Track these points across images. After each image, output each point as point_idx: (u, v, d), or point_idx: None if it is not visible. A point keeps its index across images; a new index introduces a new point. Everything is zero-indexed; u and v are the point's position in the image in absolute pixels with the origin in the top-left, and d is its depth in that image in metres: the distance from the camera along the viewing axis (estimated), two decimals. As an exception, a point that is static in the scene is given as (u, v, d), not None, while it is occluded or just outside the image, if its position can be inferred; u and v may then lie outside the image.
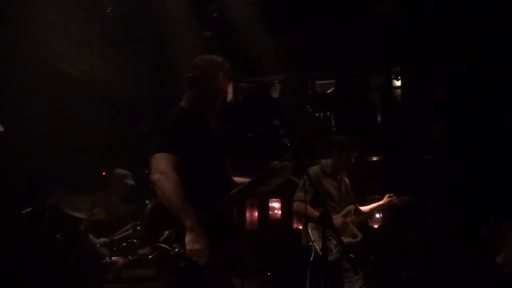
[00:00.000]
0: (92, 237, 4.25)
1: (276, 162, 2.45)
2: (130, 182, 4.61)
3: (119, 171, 4.65)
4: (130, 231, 4.25)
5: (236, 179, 2.58)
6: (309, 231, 3.92)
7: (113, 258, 4.06)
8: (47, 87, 5.25)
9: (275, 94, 9.00)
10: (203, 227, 2.23)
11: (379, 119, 8.80)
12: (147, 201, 5.20)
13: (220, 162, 2.51)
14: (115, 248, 4.13)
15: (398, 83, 8.61)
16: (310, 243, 3.87)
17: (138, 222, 4.35)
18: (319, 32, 7.87)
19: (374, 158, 8.22)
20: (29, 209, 4.06)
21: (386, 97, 8.74)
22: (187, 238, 2.20)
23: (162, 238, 2.23)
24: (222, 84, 2.53)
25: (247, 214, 8.73)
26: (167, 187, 2.25)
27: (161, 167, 2.28)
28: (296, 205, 3.99)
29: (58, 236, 4.24)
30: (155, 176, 2.28)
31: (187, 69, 2.57)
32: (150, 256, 2.20)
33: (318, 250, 3.80)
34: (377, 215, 8.72)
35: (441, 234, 6.75)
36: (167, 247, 2.21)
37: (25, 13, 5.40)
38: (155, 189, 2.33)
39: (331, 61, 8.36)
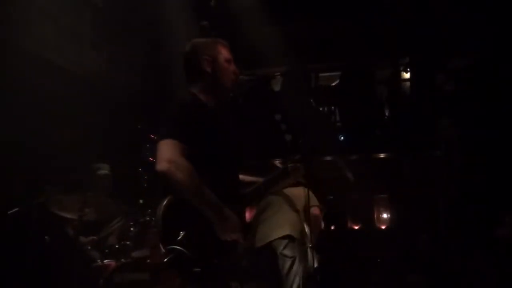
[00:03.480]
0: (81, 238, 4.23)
1: (288, 163, 2.47)
2: (101, 172, 4.55)
3: (93, 165, 4.61)
4: (119, 223, 4.24)
5: (241, 177, 2.57)
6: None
7: (104, 261, 4.04)
8: (34, 79, 5.21)
9: (277, 87, 8.96)
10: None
11: (386, 114, 8.76)
12: (141, 201, 5.18)
13: (233, 158, 2.49)
14: (107, 251, 4.11)
15: (407, 75, 8.56)
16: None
17: (131, 223, 4.33)
18: (323, 21, 7.83)
19: (381, 156, 8.19)
20: (16, 209, 4.03)
21: (394, 91, 8.70)
22: (215, 226, 2.21)
23: (177, 239, 2.16)
24: (227, 55, 2.53)
25: (247, 214, 8.69)
26: (179, 178, 2.16)
27: (168, 155, 2.18)
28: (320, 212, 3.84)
29: (46, 238, 4.21)
30: (162, 166, 2.17)
31: (183, 60, 2.55)
32: (165, 260, 2.13)
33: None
34: (384, 215, 8.70)
35: (452, 235, 6.72)
36: (183, 249, 2.15)
37: (11, 1, 5.35)
38: (166, 183, 2.23)
39: (336, 52, 8.32)
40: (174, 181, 2.16)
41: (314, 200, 3.77)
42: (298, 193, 3.89)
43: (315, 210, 3.73)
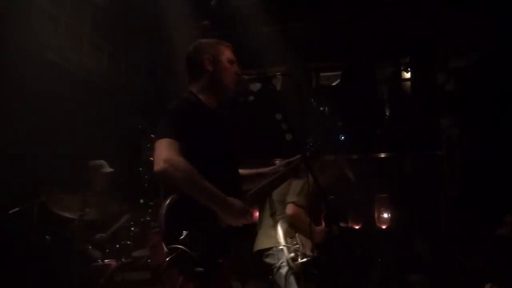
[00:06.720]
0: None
1: (297, 164, 2.51)
2: (106, 170, 4.54)
3: (93, 162, 4.59)
4: (125, 218, 4.25)
5: (241, 171, 2.58)
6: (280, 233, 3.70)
7: (105, 260, 4.04)
8: (35, 79, 5.21)
9: (277, 87, 8.95)
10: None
11: (387, 114, 8.76)
12: (141, 200, 5.18)
13: (231, 155, 2.49)
14: (107, 250, 4.12)
15: (407, 75, 8.57)
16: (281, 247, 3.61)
17: (132, 223, 4.34)
18: (324, 21, 7.82)
19: (382, 155, 8.20)
20: (17, 209, 4.04)
21: (395, 90, 8.70)
22: (223, 216, 2.25)
23: (180, 238, 2.15)
24: (230, 55, 2.55)
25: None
26: (177, 176, 2.18)
27: (165, 155, 2.19)
28: (294, 209, 3.72)
29: (47, 237, 4.22)
30: (160, 167, 2.18)
31: (185, 59, 2.57)
32: (167, 258, 2.13)
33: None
34: (385, 215, 8.70)
35: (453, 235, 6.73)
36: (185, 248, 2.14)
37: (12, 1, 5.36)
38: (166, 182, 2.26)
39: (337, 51, 8.32)
40: (173, 180, 2.18)
41: (291, 196, 3.78)
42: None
43: (289, 209, 3.74)
